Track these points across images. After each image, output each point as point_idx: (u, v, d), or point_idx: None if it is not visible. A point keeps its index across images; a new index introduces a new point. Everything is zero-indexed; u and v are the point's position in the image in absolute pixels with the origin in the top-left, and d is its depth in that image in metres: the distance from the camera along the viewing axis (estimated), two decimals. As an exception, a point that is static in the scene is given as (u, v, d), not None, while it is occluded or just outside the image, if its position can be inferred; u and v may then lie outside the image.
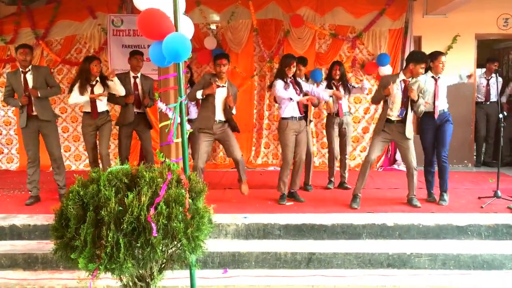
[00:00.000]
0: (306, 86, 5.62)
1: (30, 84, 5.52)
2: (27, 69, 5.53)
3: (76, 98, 5.71)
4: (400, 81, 5.15)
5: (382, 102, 5.36)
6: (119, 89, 5.77)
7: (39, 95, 5.44)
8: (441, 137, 5.39)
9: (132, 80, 6.01)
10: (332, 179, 6.48)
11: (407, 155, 5.27)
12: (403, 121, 5.19)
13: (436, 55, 5.37)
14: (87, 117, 5.81)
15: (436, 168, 5.54)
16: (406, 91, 5.10)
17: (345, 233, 4.68)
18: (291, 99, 5.38)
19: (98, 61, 5.77)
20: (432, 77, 5.41)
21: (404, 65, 5.55)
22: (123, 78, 5.96)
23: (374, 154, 5.30)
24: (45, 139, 5.64)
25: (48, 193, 5.93)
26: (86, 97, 5.69)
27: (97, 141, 5.94)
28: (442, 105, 5.40)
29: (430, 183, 5.60)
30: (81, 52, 8.00)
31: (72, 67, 7.97)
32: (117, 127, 6.19)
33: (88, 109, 5.77)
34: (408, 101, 5.14)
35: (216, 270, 4.33)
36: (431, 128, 5.42)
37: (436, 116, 5.36)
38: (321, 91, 5.73)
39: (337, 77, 6.27)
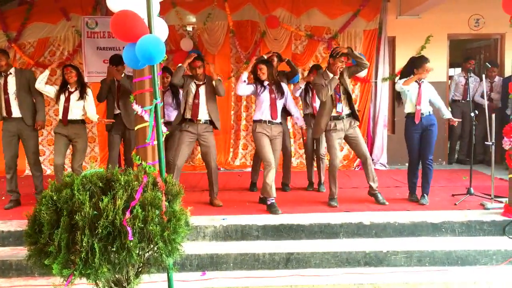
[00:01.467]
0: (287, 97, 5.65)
1: (12, 87, 5.47)
2: (8, 72, 5.49)
3: (44, 85, 5.51)
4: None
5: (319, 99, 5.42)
6: (90, 108, 5.57)
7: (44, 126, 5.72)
8: (426, 141, 5.39)
9: (115, 83, 5.89)
10: (312, 180, 6.48)
11: (362, 145, 5.43)
12: (351, 113, 5.41)
13: (421, 62, 5.36)
14: (59, 124, 5.60)
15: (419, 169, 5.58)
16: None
17: (322, 232, 4.72)
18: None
19: (69, 68, 5.56)
20: (416, 81, 5.39)
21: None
22: (108, 83, 5.85)
23: (339, 157, 5.40)
24: (25, 142, 5.60)
25: (23, 198, 5.80)
26: (50, 89, 5.55)
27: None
28: (424, 108, 5.38)
29: (415, 185, 5.58)
30: (55, 54, 7.88)
31: (45, 69, 7.82)
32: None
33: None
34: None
35: (194, 273, 4.30)
36: (416, 130, 5.42)
37: (417, 120, 5.36)
38: (299, 116, 5.86)
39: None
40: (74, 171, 5.47)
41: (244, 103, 8.17)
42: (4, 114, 5.52)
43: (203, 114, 5.44)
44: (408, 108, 5.47)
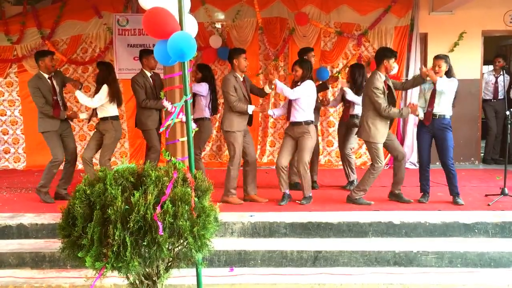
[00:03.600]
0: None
1: (56, 88, 5.63)
2: (51, 74, 5.65)
3: (88, 99, 5.70)
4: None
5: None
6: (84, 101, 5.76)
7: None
8: (440, 145, 5.28)
9: (150, 80, 5.90)
10: (351, 179, 6.31)
11: (398, 143, 5.51)
12: None
13: (435, 57, 5.30)
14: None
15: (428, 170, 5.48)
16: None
17: (351, 231, 4.68)
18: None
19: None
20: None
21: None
22: (143, 79, 5.84)
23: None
24: (67, 138, 5.75)
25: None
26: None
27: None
28: (438, 110, 5.22)
29: (424, 186, 5.46)
30: (87, 51, 8.03)
31: (77, 66, 8.01)
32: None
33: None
34: None
35: (222, 269, 4.33)
36: (425, 132, 5.35)
37: (427, 121, 5.26)
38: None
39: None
40: (100, 165, 5.61)
41: (272, 100, 8.13)
42: (52, 114, 5.58)
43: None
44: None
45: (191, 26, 3.41)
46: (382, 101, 5.11)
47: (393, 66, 5.27)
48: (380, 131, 5.22)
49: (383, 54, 5.26)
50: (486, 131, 8.27)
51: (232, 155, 5.47)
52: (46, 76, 5.58)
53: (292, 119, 5.40)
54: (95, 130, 5.83)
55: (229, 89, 5.36)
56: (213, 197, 3.14)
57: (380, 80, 5.14)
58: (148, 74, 5.91)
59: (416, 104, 5.29)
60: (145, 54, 5.88)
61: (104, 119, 5.69)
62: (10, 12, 8.01)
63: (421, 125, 5.41)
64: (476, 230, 4.65)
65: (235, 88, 5.38)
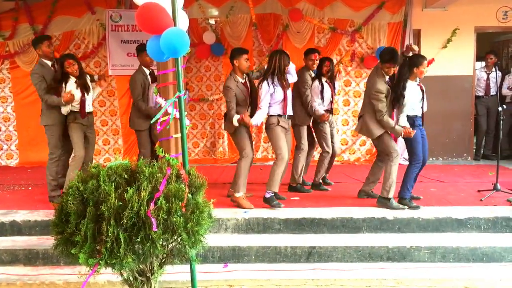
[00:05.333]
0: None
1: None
2: (53, 62, 5.40)
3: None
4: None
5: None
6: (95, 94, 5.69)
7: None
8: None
9: (149, 78, 5.67)
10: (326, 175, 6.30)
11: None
12: None
13: (422, 60, 5.03)
14: (77, 116, 5.32)
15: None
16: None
17: (345, 226, 4.69)
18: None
19: (71, 60, 5.27)
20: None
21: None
22: (143, 77, 5.63)
23: None
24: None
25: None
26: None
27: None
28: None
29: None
30: (80, 47, 7.98)
31: (70, 62, 7.95)
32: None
33: (75, 109, 5.30)
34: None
35: (216, 265, 4.34)
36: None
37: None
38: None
39: (329, 74, 5.97)
40: (89, 163, 5.44)
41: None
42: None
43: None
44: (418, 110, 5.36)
45: (182, 21, 3.39)
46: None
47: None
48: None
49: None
50: (475, 128, 8.32)
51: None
52: (49, 63, 5.34)
53: (290, 112, 5.36)
54: (80, 125, 5.37)
55: (229, 98, 5.17)
56: (208, 193, 3.14)
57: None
58: (147, 71, 5.67)
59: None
60: (139, 51, 5.67)
61: (89, 113, 5.50)
62: (2, 7, 7.92)
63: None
64: (468, 225, 4.68)
65: (236, 94, 5.19)
